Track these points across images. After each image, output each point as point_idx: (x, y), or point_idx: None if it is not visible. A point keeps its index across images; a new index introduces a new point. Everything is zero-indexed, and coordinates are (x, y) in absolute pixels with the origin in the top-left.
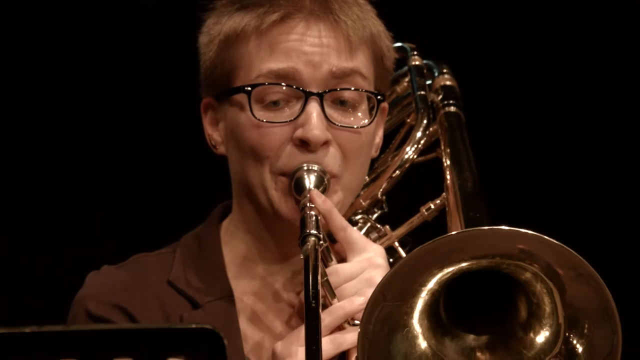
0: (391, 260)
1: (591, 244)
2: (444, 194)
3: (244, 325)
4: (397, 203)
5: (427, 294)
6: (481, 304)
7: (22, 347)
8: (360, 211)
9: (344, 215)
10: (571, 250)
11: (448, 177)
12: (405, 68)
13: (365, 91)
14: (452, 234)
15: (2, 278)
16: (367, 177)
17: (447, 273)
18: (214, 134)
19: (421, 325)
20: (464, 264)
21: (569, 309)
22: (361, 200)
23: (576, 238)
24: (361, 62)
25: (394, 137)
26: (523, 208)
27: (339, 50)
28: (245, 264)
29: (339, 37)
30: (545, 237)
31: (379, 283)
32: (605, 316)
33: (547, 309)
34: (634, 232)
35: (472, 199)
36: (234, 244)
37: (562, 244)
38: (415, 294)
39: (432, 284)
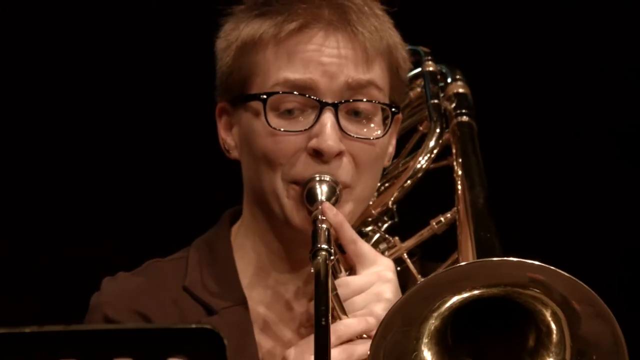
0: (398, 268)
1: (602, 251)
2: (454, 208)
3: (256, 333)
4: (408, 212)
5: (436, 320)
6: (490, 330)
7: (22, 347)
8: (370, 220)
9: (354, 224)
10: (585, 285)
11: (460, 191)
12: (419, 69)
13: (380, 103)
14: (462, 265)
15: (2, 278)
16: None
17: (458, 300)
18: (227, 138)
19: (429, 350)
20: (474, 292)
21: (579, 342)
22: (372, 209)
23: (586, 245)
24: (377, 73)
25: (406, 143)
26: (532, 215)
27: (356, 61)
28: (256, 273)
29: (356, 49)
30: (557, 269)
31: (390, 309)
32: (615, 357)
33: (555, 338)
34: None
35: (483, 216)
36: (244, 251)
37: (574, 278)
38: (425, 319)
39: (442, 310)
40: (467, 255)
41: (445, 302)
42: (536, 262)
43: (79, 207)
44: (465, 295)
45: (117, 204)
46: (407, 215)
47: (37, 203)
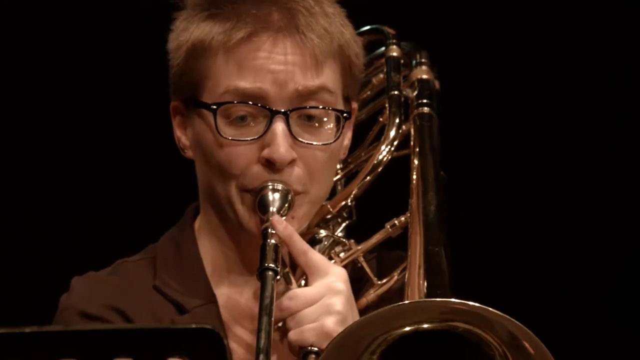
0: (361, 281)
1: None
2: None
3: None
4: (366, 207)
5: (375, 355)
6: None
7: (22, 347)
8: (328, 217)
9: (310, 222)
10: (512, 319)
11: (413, 196)
12: (382, 49)
13: (331, 109)
14: (399, 304)
15: (2, 278)
16: (339, 171)
17: (396, 333)
18: (182, 137)
19: None
20: (412, 327)
21: None
22: (329, 207)
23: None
24: (328, 77)
25: (368, 132)
26: (499, 207)
27: (305, 68)
28: (217, 272)
29: (304, 54)
30: (492, 310)
31: (327, 348)
32: None
33: None
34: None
35: (433, 228)
36: (205, 249)
37: (504, 315)
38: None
39: (378, 345)
40: (413, 274)
41: (380, 338)
42: (470, 303)
43: (78, 207)
44: (402, 330)
45: (117, 204)
46: (365, 209)
47: (37, 203)
